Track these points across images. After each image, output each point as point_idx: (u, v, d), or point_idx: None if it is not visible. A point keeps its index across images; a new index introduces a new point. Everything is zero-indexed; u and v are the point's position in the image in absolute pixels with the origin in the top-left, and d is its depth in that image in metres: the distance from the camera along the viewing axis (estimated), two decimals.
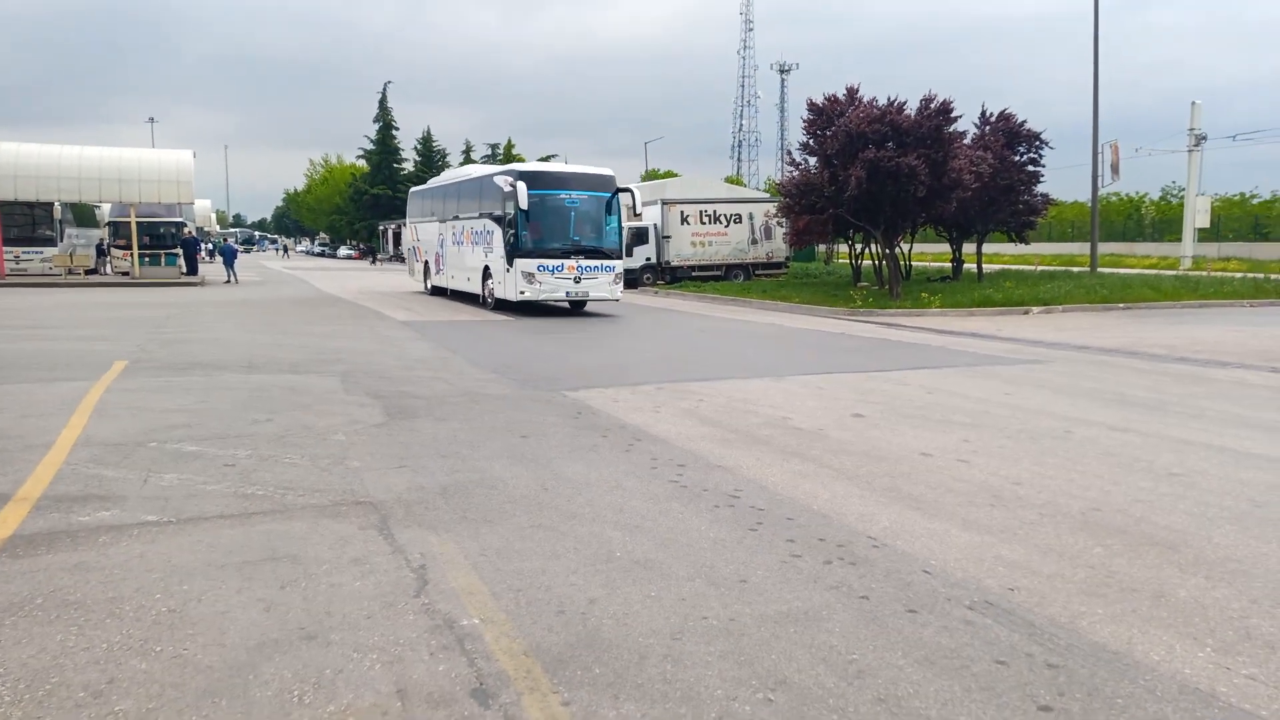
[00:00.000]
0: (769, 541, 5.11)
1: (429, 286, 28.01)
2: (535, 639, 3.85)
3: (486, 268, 22.17)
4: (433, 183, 29.63)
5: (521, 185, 19.57)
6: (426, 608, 4.16)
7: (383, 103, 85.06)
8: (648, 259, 32.48)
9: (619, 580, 4.51)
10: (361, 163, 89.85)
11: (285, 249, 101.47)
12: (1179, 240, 46.67)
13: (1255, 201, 63.99)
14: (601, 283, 20.68)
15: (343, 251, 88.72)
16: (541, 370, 11.92)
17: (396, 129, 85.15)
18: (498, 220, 21.09)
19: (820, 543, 5.11)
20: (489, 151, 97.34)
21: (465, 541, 5.06)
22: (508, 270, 20.53)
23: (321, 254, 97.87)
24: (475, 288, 23.16)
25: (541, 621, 4.02)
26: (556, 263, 20.23)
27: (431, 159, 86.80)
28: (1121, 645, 3.86)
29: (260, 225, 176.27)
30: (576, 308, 22.47)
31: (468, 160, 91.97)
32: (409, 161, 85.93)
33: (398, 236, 79.28)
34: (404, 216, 34.90)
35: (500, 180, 20.66)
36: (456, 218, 24.69)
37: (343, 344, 14.48)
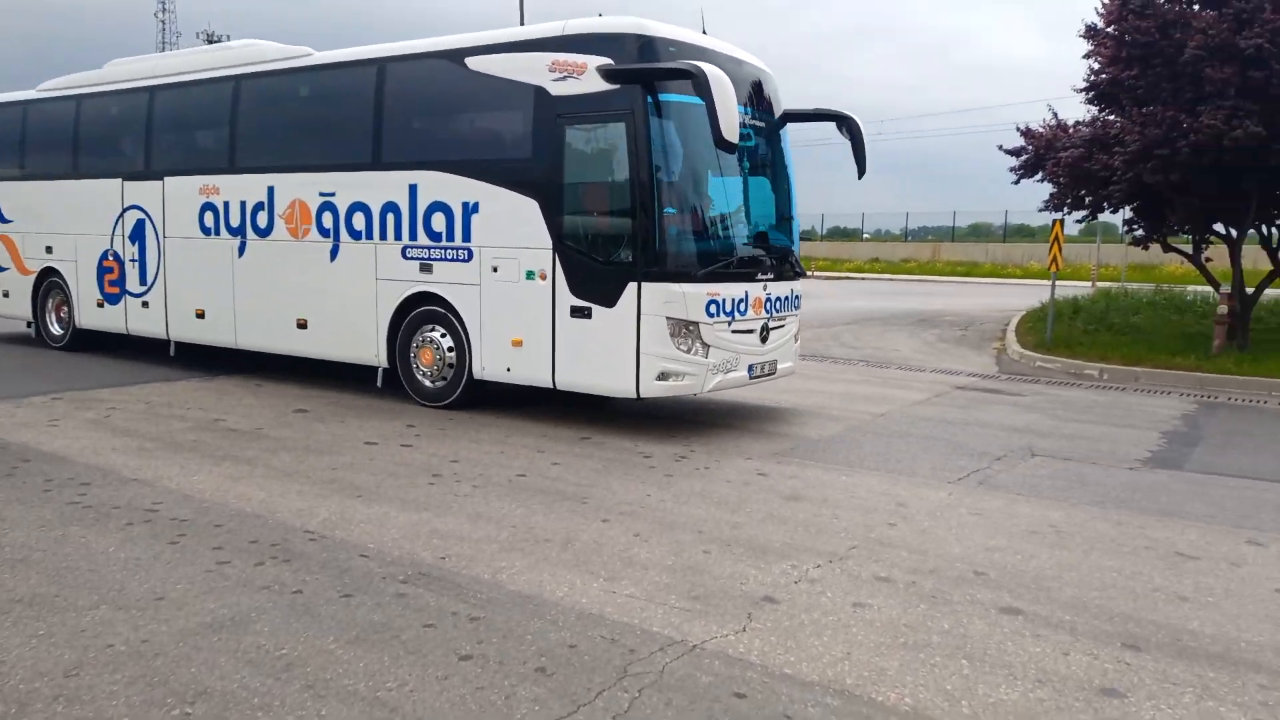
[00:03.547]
0: (193, 553, 4.71)
1: (59, 326, 12.13)
2: None
3: (455, 323, 8.35)
4: (109, 75, 11.53)
5: (718, 75, 6.89)
6: None
7: None
8: None
9: None
10: None
11: None
12: None
13: None
14: (788, 333, 8.59)
15: None
16: None
17: None
18: (536, 188, 7.74)
19: (252, 545, 4.85)
20: None
21: None
22: (601, 313, 7.46)
23: None
24: (371, 354, 9.00)
25: None
26: (738, 292, 7.73)
27: None
28: (534, 590, 4.33)
29: None
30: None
31: None
32: None
33: None
34: None
35: (557, 65, 7.55)
36: (292, 168, 9.55)
37: None
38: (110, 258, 11.24)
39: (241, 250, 9.89)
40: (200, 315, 10.34)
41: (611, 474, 6.45)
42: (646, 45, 7.33)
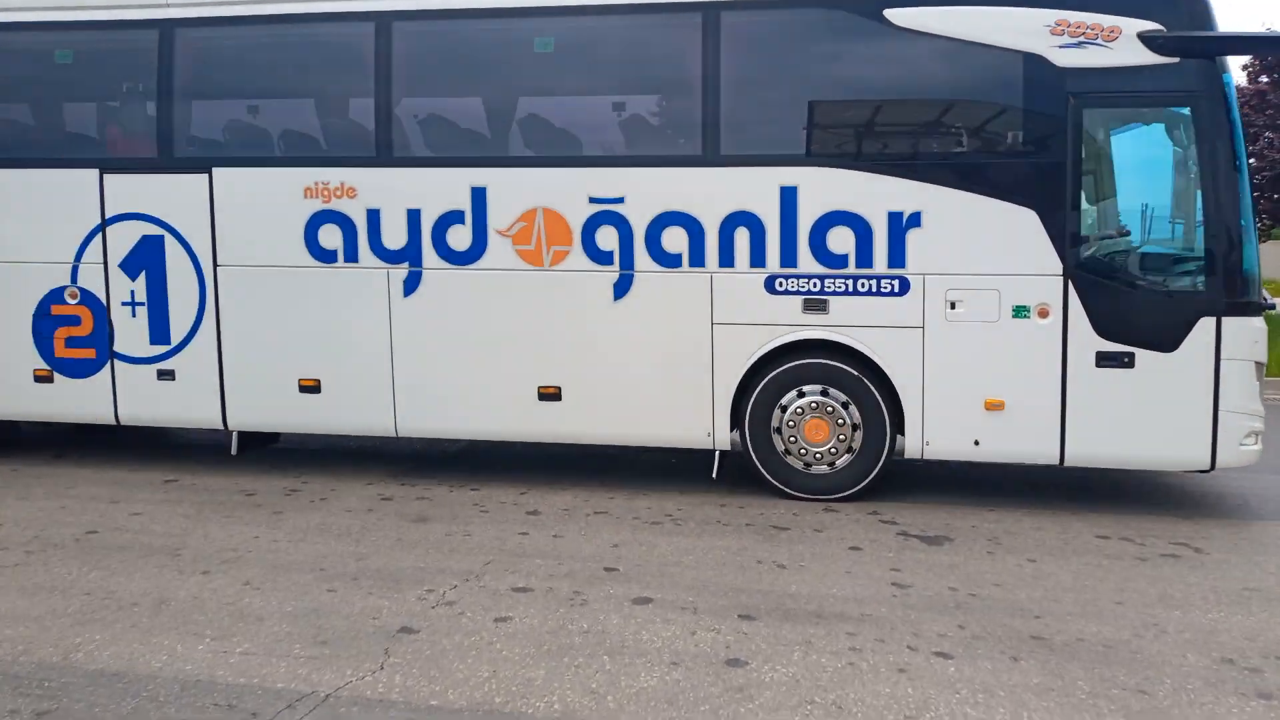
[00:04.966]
0: None
1: None
2: None
3: (864, 382, 5.99)
4: None
5: None
6: None
7: None
8: None
9: None
10: None
11: None
12: None
13: None
14: None
15: None
16: None
17: None
18: (1032, 192, 5.71)
19: None
20: None
21: None
22: (1151, 360, 5.64)
23: None
24: (697, 432, 6.23)
25: None
26: None
27: None
28: (123, 664, 3.65)
29: None
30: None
31: None
32: None
33: None
34: None
35: (1065, 27, 5.68)
36: (527, 161, 6.45)
37: None
38: (66, 301, 6.87)
39: (411, 285, 6.40)
40: (311, 388, 6.59)
41: (208, 518, 5.70)
42: (1203, 7, 5.63)
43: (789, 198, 5.94)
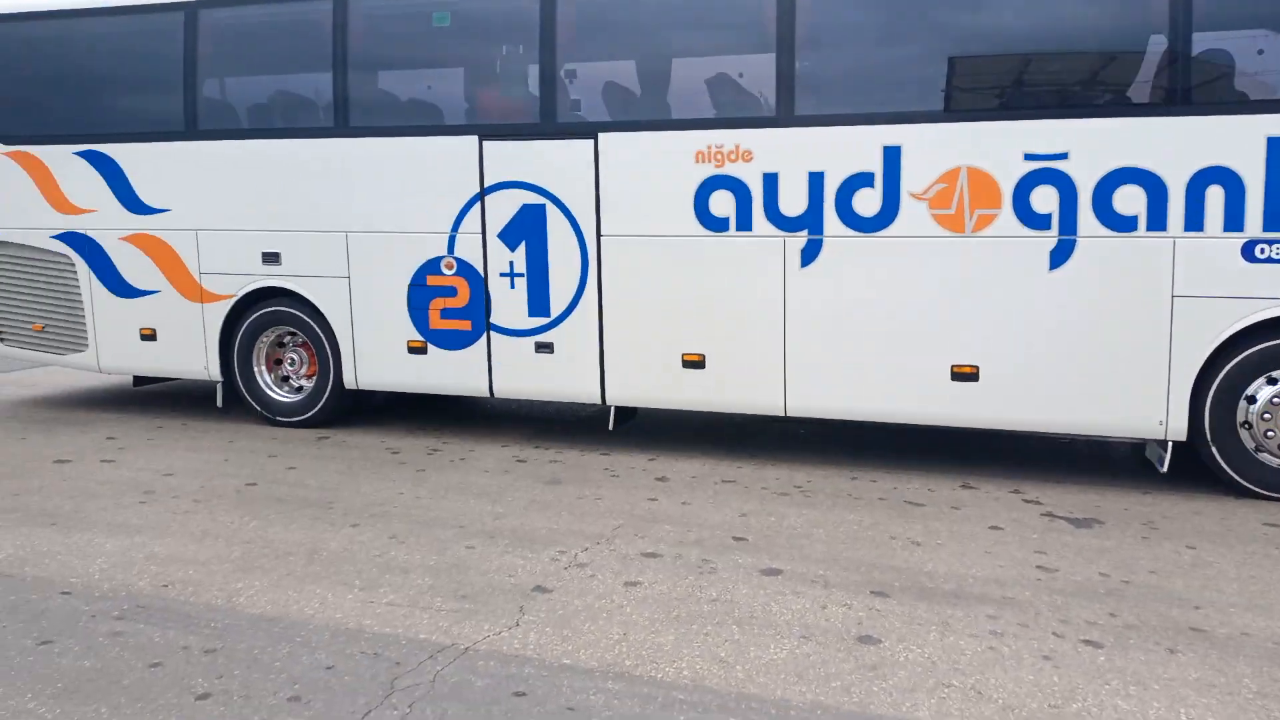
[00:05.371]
0: None
1: (288, 390, 7.39)
2: None
3: None
4: None
5: None
6: None
7: None
8: None
9: None
10: None
11: None
12: None
13: None
14: None
15: None
16: None
17: None
18: None
19: None
20: None
21: None
22: None
23: None
24: (1139, 419, 5.50)
25: None
26: None
27: None
28: (279, 610, 3.91)
29: None
30: None
31: None
32: None
33: None
34: None
35: None
36: (946, 115, 5.70)
37: None
38: (443, 271, 6.66)
39: (810, 254, 5.89)
40: (695, 364, 6.20)
41: (357, 474, 6.01)
42: None
43: (1278, 150, 5.07)
